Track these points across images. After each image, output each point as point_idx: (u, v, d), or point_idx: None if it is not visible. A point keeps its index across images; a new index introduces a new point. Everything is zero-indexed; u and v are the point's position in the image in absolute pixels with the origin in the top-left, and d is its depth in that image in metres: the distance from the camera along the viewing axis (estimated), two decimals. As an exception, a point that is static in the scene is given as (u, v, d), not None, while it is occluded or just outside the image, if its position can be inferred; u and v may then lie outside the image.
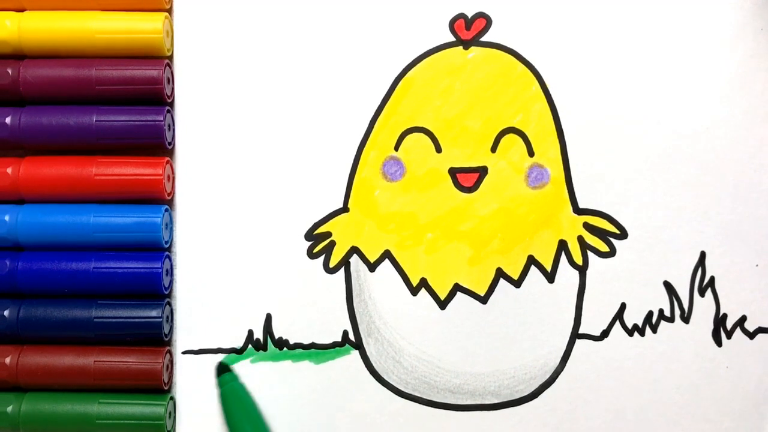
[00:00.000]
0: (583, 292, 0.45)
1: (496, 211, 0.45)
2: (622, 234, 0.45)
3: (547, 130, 0.45)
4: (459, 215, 0.45)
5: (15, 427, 0.43)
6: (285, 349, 0.45)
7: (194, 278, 0.45)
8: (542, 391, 0.45)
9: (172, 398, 0.44)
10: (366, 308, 0.45)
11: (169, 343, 0.45)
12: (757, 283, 0.45)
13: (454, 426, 0.45)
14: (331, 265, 0.45)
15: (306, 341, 0.45)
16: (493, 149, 0.45)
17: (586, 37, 0.45)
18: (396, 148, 0.45)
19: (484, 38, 0.45)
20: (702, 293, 0.45)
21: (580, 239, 0.45)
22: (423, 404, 0.45)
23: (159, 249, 0.44)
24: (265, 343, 0.45)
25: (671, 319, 0.45)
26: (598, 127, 0.45)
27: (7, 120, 0.43)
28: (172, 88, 0.45)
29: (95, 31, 0.43)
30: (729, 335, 0.45)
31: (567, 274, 0.45)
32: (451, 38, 0.45)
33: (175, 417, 0.44)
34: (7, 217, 0.43)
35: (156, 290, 0.43)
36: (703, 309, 0.45)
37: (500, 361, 0.45)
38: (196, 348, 0.45)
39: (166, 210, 0.44)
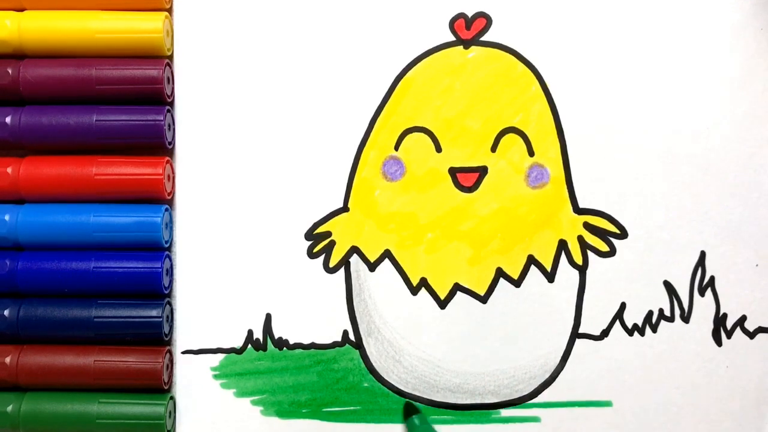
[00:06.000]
0: (583, 291, 0.45)
1: (496, 210, 0.45)
2: (622, 234, 0.45)
3: (547, 130, 0.45)
4: (459, 215, 0.45)
5: (15, 426, 0.43)
6: (285, 349, 0.45)
7: (194, 278, 0.45)
8: (542, 391, 0.45)
9: (172, 398, 0.44)
10: (366, 308, 0.45)
11: (169, 342, 0.45)
12: (757, 283, 0.45)
13: (454, 425, 0.45)
14: (331, 264, 0.45)
15: (306, 341, 0.45)
16: (493, 149, 0.45)
17: (587, 37, 0.45)
18: (396, 148, 0.45)
19: (485, 38, 0.45)
20: (702, 293, 0.45)
21: (580, 239, 0.45)
22: (423, 403, 0.45)
23: (159, 249, 0.44)
24: (265, 343, 0.45)
25: (671, 319, 0.45)
26: (598, 127, 0.45)
27: (7, 120, 0.43)
28: (172, 88, 0.45)
29: (95, 30, 0.43)
30: (729, 335, 0.45)
31: (567, 273, 0.45)
32: (452, 38, 0.45)
33: (175, 417, 0.44)
34: (7, 217, 0.43)
35: (156, 290, 0.43)
36: (703, 309, 0.45)
37: (500, 361, 0.45)
38: (196, 348, 0.45)
39: (166, 210, 0.44)
